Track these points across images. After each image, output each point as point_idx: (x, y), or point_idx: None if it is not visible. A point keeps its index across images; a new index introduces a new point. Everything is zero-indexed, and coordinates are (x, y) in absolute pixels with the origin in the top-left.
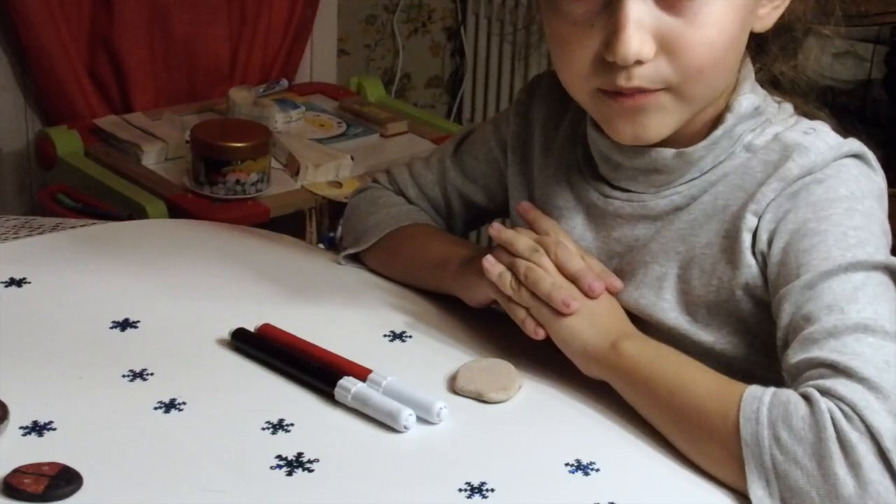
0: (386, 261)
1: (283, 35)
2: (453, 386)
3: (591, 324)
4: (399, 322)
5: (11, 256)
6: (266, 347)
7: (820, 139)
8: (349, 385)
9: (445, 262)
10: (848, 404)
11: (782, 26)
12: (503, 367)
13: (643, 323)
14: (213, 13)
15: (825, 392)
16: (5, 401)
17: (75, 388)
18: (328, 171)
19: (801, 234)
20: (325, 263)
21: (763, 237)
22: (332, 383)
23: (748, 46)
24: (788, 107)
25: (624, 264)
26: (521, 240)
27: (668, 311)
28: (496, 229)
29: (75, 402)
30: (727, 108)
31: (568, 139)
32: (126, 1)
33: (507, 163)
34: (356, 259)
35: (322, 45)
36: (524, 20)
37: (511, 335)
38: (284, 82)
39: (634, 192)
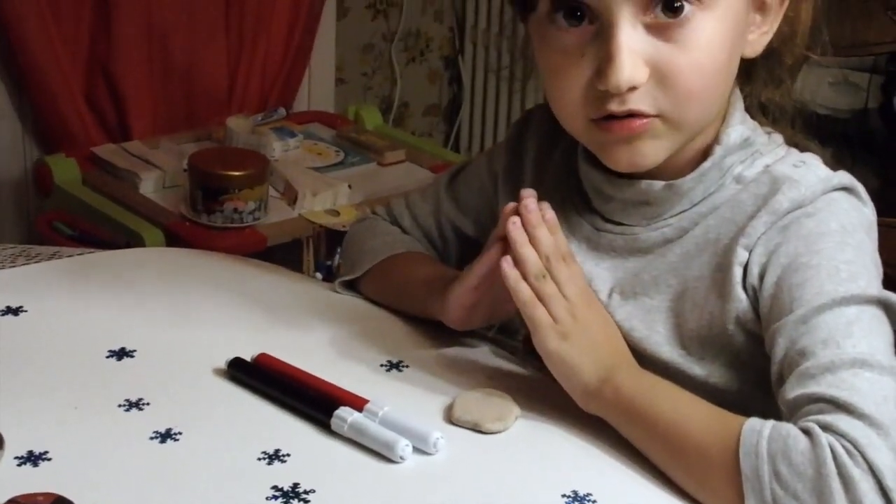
0: (379, 287)
1: (281, 63)
2: (450, 416)
3: (588, 353)
4: (396, 352)
5: (8, 285)
6: (263, 377)
7: (810, 172)
8: (346, 415)
9: (431, 283)
10: (850, 441)
11: (770, 52)
12: (500, 398)
13: (637, 356)
14: (211, 41)
15: (826, 427)
16: (1, 430)
17: (71, 417)
18: (325, 200)
19: (792, 269)
20: (321, 293)
21: (754, 271)
22: (329, 413)
23: (738, 73)
24: (778, 137)
25: (617, 296)
26: (532, 259)
27: (662, 344)
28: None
29: (71, 432)
30: (716, 139)
31: (559, 172)
32: (124, 28)
33: (498, 195)
34: (352, 287)
35: (320, 74)
36: (520, 50)
37: (508, 366)
38: (282, 110)
39: (626, 224)
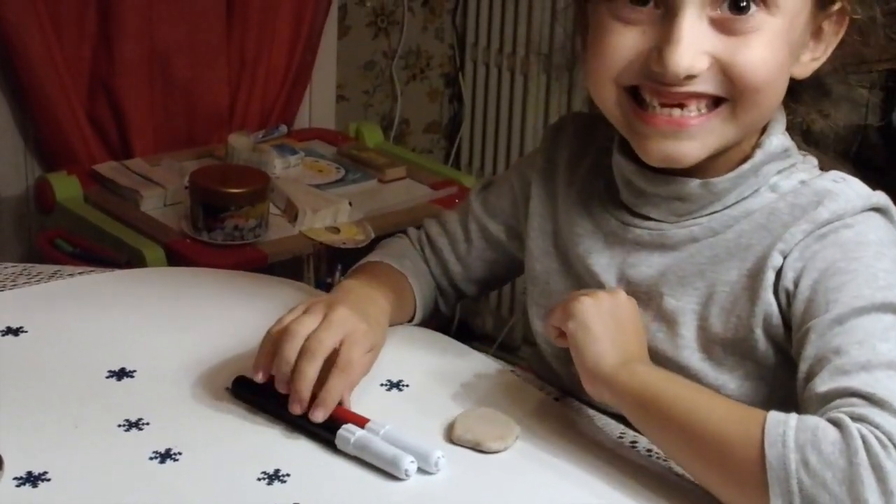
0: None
1: (282, 81)
2: (451, 435)
3: (613, 340)
4: (396, 371)
5: (9, 305)
6: (267, 396)
7: (850, 188)
8: (351, 432)
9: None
10: (884, 433)
11: (818, 80)
12: (500, 417)
13: (656, 358)
14: (213, 59)
15: (858, 419)
16: (0, 451)
17: (71, 437)
18: (326, 217)
19: (830, 273)
20: None
21: (789, 275)
22: (332, 431)
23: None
24: (813, 160)
25: (640, 292)
26: None
27: (683, 347)
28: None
29: (70, 452)
30: (757, 145)
31: (590, 173)
32: (126, 46)
33: (531, 200)
34: None
35: (321, 91)
36: (521, 67)
37: (509, 384)
38: (283, 128)
39: (654, 219)
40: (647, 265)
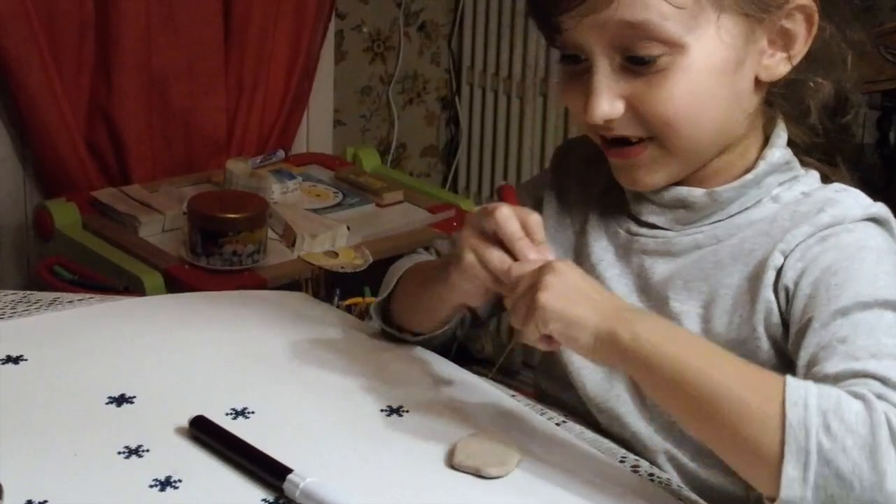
0: (405, 301)
1: (280, 106)
2: (451, 461)
3: (583, 302)
4: (396, 397)
5: (8, 334)
6: (221, 438)
7: (850, 197)
8: (295, 484)
9: (442, 265)
10: None
11: (789, 83)
12: (501, 442)
13: None
14: (211, 85)
15: (879, 397)
16: (0, 479)
17: (70, 465)
18: (324, 241)
19: (831, 272)
20: (323, 335)
21: (789, 274)
22: (280, 478)
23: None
24: (815, 174)
25: (647, 299)
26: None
27: None
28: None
29: (70, 480)
30: (760, 156)
31: (602, 189)
32: (125, 74)
33: (543, 210)
34: (387, 316)
35: (318, 116)
36: (518, 91)
37: (509, 408)
38: (281, 153)
39: (659, 227)
40: (654, 272)
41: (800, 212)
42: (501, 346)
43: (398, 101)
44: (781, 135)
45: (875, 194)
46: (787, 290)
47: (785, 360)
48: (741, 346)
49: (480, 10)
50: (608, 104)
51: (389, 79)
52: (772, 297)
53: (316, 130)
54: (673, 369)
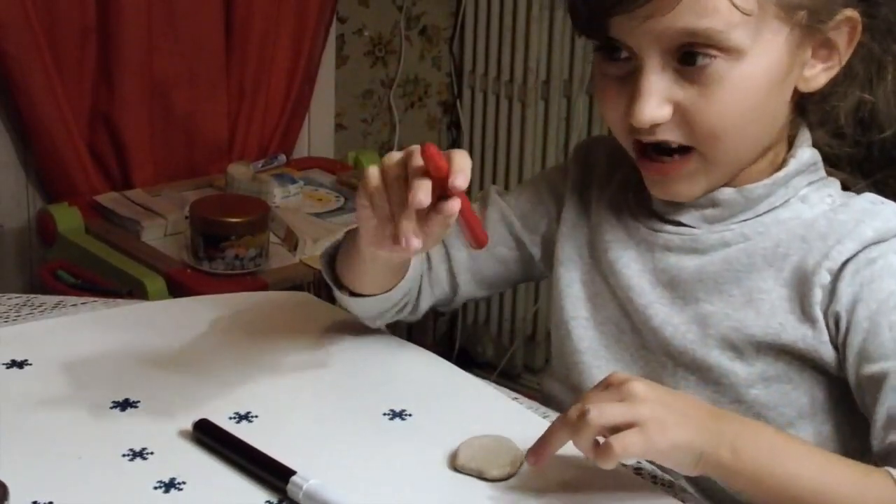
0: (341, 255)
1: (281, 110)
2: (454, 464)
3: (684, 422)
4: (399, 400)
5: (13, 338)
6: (226, 441)
7: (888, 207)
8: (298, 486)
9: None
10: None
11: (824, 95)
12: (504, 444)
13: (681, 356)
14: (212, 89)
15: None
16: (5, 481)
17: (75, 467)
18: (326, 245)
19: (890, 305)
20: (326, 339)
21: (842, 301)
22: (284, 480)
23: (802, 110)
24: (836, 182)
25: (673, 296)
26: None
27: (713, 347)
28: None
29: (75, 482)
30: (791, 154)
31: (621, 187)
32: (126, 77)
33: (563, 204)
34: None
35: (319, 120)
36: (519, 95)
37: (511, 411)
38: (282, 157)
39: (686, 225)
40: (679, 268)
41: (839, 221)
42: (503, 349)
43: (399, 106)
44: (807, 137)
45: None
46: (837, 316)
47: (813, 364)
48: (773, 348)
49: (482, 13)
50: (656, 107)
51: (391, 83)
52: (821, 317)
53: (317, 135)
54: (780, 485)
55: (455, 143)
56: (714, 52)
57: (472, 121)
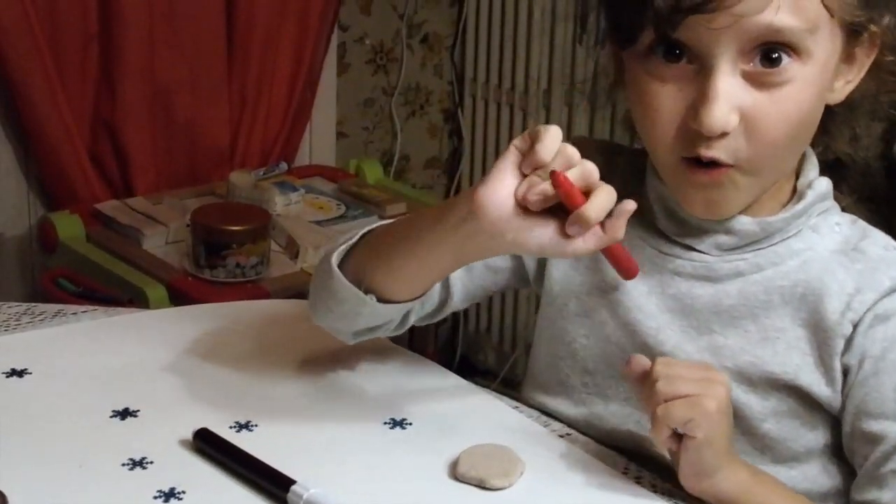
0: (369, 255)
1: (283, 118)
2: (455, 472)
3: (724, 444)
4: (399, 409)
5: (13, 347)
6: (227, 451)
7: None
8: (298, 495)
9: (446, 209)
10: None
11: (850, 104)
12: (505, 453)
13: None
14: (214, 99)
15: None
16: (5, 491)
17: (75, 477)
18: None
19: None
20: (326, 348)
21: (854, 350)
22: (285, 489)
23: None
24: (836, 205)
25: (684, 324)
26: None
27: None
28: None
29: (75, 491)
30: (807, 185)
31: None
32: (128, 86)
33: None
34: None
35: (321, 128)
36: (520, 102)
37: (512, 420)
38: (284, 165)
39: (697, 250)
40: (692, 297)
41: (856, 270)
42: (504, 357)
43: (401, 113)
44: (815, 161)
45: (878, 206)
46: (848, 366)
47: (822, 404)
48: (789, 386)
49: (483, 21)
50: (727, 112)
51: (392, 91)
52: (839, 367)
53: (319, 142)
54: None
55: (456, 151)
56: (792, 53)
57: (474, 129)
